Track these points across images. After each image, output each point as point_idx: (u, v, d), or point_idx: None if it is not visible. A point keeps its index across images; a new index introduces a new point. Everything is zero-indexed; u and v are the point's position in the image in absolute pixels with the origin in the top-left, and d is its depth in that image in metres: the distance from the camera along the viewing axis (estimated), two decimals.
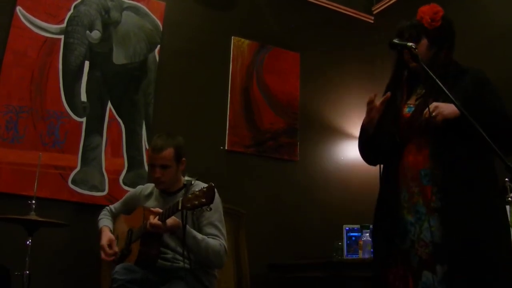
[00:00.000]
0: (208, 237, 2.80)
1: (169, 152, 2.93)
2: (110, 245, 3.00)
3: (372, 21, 5.32)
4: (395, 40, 2.19)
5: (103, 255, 2.98)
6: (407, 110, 2.32)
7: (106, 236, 3.06)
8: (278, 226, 4.35)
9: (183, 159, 3.03)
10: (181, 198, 2.60)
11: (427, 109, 2.10)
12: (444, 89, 1.93)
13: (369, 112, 2.34)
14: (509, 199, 1.86)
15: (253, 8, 4.79)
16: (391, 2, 5.10)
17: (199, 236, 2.73)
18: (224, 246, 2.84)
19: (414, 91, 2.38)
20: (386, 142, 2.33)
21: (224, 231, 2.90)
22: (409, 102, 2.35)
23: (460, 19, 4.22)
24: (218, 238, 2.83)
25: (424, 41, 2.29)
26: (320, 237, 4.35)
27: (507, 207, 1.93)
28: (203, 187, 2.54)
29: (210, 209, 2.53)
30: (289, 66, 4.78)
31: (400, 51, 2.27)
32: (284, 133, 4.59)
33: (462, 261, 2.03)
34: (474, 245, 2.04)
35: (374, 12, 5.31)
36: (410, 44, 2.15)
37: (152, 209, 2.74)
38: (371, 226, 2.87)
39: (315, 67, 4.89)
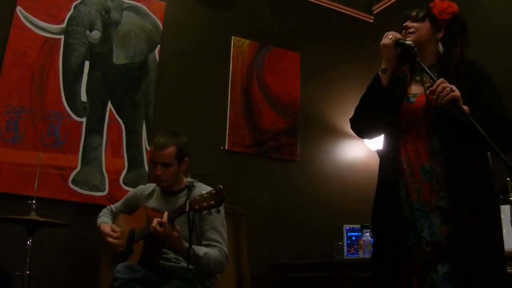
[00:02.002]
0: (209, 244, 2.80)
1: (171, 150, 2.94)
2: (113, 231, 3.03)
3: (372, 21, 5.32)
4: (401, 40, 2.22)
5: (110, 239, 3.01)
6: (411, 100, 2.26)
7: (107, 225, 3.12)
8: (279, 226, 4.35)
9: (186, 159, 3.04)
10: (188, 200, 2.58)
11: (440, 84, 2.01)
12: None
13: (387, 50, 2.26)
14: (510, 198, 1.85)
15: (253, 8, 4.79)
16: (391, 2, 5.10)
17: (201, 252, 2.71)
18: (225, 253, 2.84)
19: (413, 81, 2.34)
20: (382, 112, 2.27)
21: (225, 235, 2.91)
22: (410, 92, 2.29)
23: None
24: (219, 245, 2.83)
25: (427, 24, 2.30)
26: (321, 237, 4.35)
27: (508, 206, 1.92)
28: (211, 189, 2.53)
29: (219, 211, 2.53)
30: (289, 66, 4.78)
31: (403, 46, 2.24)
32: (285, 133, 4.59)
33: (465, 260, 2.01)
34: (477, 244, 2.02)
35: (374, 12, 5.31)
36: (409, 42, 2.19)
37: (156, 214, 2.72)
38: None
39: (316, 67, 4.89)
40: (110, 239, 3.01)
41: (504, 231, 2.76)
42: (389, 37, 2.25)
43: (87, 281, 3.42)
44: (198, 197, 2.54)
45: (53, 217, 3.13)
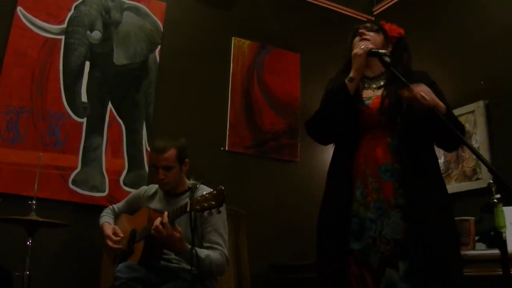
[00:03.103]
0: (211, 246, 2.80)
1: (171, 153, 2.96)
2: (115, 234, 3.03)
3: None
4: (374, 50, 2.33)
5: (110, 243, 3.00)
6: (367, 102, 2.36)
7: (109, 227, 3.10)
8: (279, 227, 4.35)
9: (186, 160, 3.05)
10: (189, 200, 2.59)
11: (410, 90, 2.10)
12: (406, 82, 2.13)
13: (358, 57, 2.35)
14: (494, 200, 1.88)
15: (253, 9, 4.79)
16: (391, 2, 5.10)
17: (203, 254, 2.71)
18: (226, 256, 2.84)
19: (365, 86, 2.45)
20: (343, 120, 2.35)
21: (226, 237, 2.91)
22: (364, 96, 2.40)
23: (461, 18, 4.24)
24: (220, 248, 2.83)
25: (381, 36, 2.46)
26: None
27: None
28: (213, 190, 2.53)
29: (219, 212, 2.53)
30: (289, 66, 4.78)
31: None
32: (285, 133, 4.59)
33: (424, 257, 2.06)
34: (435, 241, 2.09)
35: (375, 13, 5.30)
36: (383, 51, 2.31)
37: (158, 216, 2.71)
38: None
39: (316, 67, 4.88)
40: (109, 242, 3.01)
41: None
42: (361, 47, 2.34)
43: (87, 281, 3.42)
44: (199, 198, 2.54)
45: (53, 217, 3.12)
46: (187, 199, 2.86)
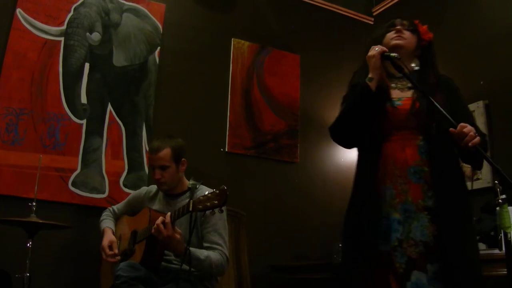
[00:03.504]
0: (211, 246, 2.79)
1: (166, 152, 2.97)
2: (110, 246, 3.01)
3: (372, 23, 5.32)
4: (387, 53, 2.30)
5: (103, 256, 3.00)
6: (397, 103, 2.33)
7: (108, 237, 3.07)
8: (279, 228, 4.35)
9: (183, 159, 3.05)
10: (191, 200, 2.57)
11: (466, 129, 2.07)
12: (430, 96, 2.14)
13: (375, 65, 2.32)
14: (499, 201, 1.88)
15: (253, 10, 4.79)
16: (391, 3, 5.10)
17: (202, 255, 2.70)
18: (226, 256, 2.83)
19: (392, 86, 2.42)
20: (368, 120, 2.33)
21: (227, 238, 2.90)
22: (393, 96, 2.37)
23: (461, 19, 4.25)
24: (220, 248, 2.82)
25: (415, 37, 2.44)
26: (321, 239, 4.35)
27: (497, 209, 1.96)
28: (215, 190, 2.51)
29: (222, 211, 2.52)
30: (289, 67, 4.78)
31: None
32: (285, 134, 4.59)
33: (453, 260, 2.05)
34: (464, 244, 2.09)
35: (374, 14, 5.31)
36: (394, 54, 2.28)
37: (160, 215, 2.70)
38: None
39: (315, 68, 4.89)
40: (104, 256, 3.00)
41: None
42: (376, 49, 2.33)
43: (87, 283, 3.42)
44: (201, 197, 2.53)
45: (54, 219, 3.12)
46: (187, 200, 2.86)
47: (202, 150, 4.16)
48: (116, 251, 3.00)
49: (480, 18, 4.08)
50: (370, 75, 2.33)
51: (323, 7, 5.13)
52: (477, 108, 3.82)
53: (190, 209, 2.55)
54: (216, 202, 2.47)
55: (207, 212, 2.52)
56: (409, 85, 2.37)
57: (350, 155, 4.81)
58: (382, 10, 5.21)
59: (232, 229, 3.66)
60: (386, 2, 5.15)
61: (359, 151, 2.46)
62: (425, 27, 2.49)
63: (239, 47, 4.59)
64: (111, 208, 3.31)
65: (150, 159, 3.04)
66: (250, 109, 4.50)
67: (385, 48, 2.32)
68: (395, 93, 2.38)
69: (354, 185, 2.41)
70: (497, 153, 3.65)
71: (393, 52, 2.30)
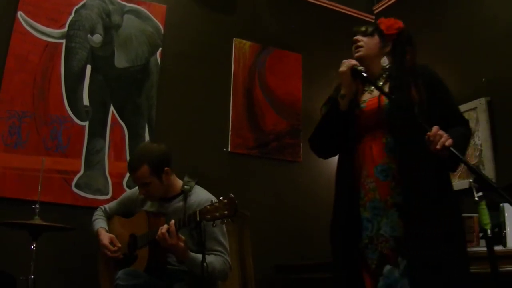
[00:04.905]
0: (211, 254, 2.75)
1: (143, 170, 2.85)
2: (111, 243, 3.00)
3: (373, 21, 5.30)
4: (355, 67, 2.36)
5: (108, 253, 2.98)
6: (362, 106, 2.40)
7: (106, 235, 3.07)
8: (283, 227, 4.34)
9: (166, 168, 2.91)
10: (198, 210, 2.51)
11: (435, 133, 2.05)
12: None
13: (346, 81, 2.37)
14: (476, 199, 1.89)
15: (254, 10, 4.78)
16: (391, 1, 5.10)
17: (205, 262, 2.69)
18: (228, 262, 2.81)
19: (364, 89, 2.47)
20: (340, 134, 2.38)
21: (227, 244, 2.85)
22: (361, 99, 2.43)
23: (462, 16, 4.23)
24: (222, 255, 2.79)
25: (376, 38, 2.48)
26: (325, 238, 4.30)
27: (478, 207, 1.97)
28: (222, 198, 2.45)
29: (233, 221, 2.49)
30: (291, 67, 4.78)
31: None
32: (287, 134, 4.59)
33: (422, 253, 2.06)
34: (433, 237, 2.09)
35: (375, 12, 5.30)
36: (360, 68, 2.33)
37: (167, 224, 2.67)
38: None
39: (317, 67, 4.88)
40: (108, 253, 2.99)
41: (508, 229, 2.78)
42: (345, 64, 2.38)
43: (91, 284, 3.42)
44: (208, 206, 2.46)
45: (57, 221, 3.12)
46: (181, 203, 2.84)
47: (205, 151, 4.16)
48: (119, 244, 2.99)
49: (481, 15, 4.07)
50: (342, 92, 2.38)
51: (324, 5, 5.12)
52: (479, 105, 3.81)
53: (198, 219, 2.49)
54: (226, 212, 2.42)
55: (216, 221, 2.46)
56: (380, 84, 2.40)
57: None
58: (383, 8, 5.20)
59: (236, 229, 3.66)
60: (387, 0, 5.14)
61: (338, 156, 2.52)
62: (389, 21, 2.50)
63: (241, 47, 4.59)
64: (103, 207, 3.29)
65: (131, 177, 2.97)
66: (252, 109, 4.50)
67: (354, 62, 2.37)
68: (365, 96, 2.43)
69: (335, 190, 2.48)
70: (500, 150, 3.64)
71: (359, 64, 2.36)
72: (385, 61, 2.50)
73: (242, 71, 4.54)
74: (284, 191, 4.46)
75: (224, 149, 4.31)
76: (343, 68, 2.37)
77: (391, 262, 2.15)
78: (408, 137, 2.20)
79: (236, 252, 3.63)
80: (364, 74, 2.29)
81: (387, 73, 2.45)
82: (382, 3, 5.20)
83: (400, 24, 2.49)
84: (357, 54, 2.44)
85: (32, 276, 2.91)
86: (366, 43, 2.46)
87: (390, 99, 2.25)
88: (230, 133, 4.35)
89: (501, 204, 2.81)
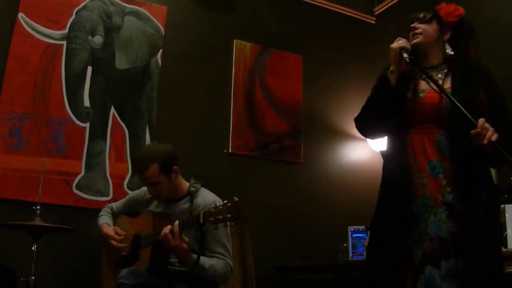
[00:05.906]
0: (214, 256, 2.74)
1: (152, 169, 2.83)
2: (117, 233, 3.01)
3: (373, 22, 5.32)
4: (402, 51, 2.25)
5: (114, 243, 2.97)
6: (420, 95, 2.29)
7: (110, 228, 3.08)
8: (283, 229, 4.34)
9: (175, 167, 2.91)
10: (202, 212, 2.51)
11: (482, 128, 2.02)
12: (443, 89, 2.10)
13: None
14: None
15: (255, 11, 4.79)
16: (392, 2, 5.10)
17: (207, 264, 2.67)
18: (230, 266, 2.79)
19: (419, 78, 2.36)
20: (390, 113, 2.29)
21: (230, 247, 2.84)
22: (420, 87, 2.32)
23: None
24: (224, 258, 2.77)
25: (434, 25, 2.37)
26: (325, 239, 4.34)
27: None
28: (226, 202, 2.45)
29: (236, 225, 2.48)
30: (291, 68, 4.78)
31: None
32: (288, 135, 4.59)
33: (469, 257, 2.02)
34: (482, 242, 2.04)
35: (376, 13, 5.31)
36: (405, 56, 2.23)
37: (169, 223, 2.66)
38: None
39: (318, 68, 4.89)
40: (114, 242, 2.99)
41: (509, 230, 2.77)
42: (399, 42, 2.28)
43: (92, 286, 3.42)
44: (212, 209, 2.46)
45: (58, 222, 3.12)
46: (187, 205, 2.83)
47: (205, 152, 4.16)
48: (124, 232, 3.00)
49: (484, 14, 4.06)
50: (391, 67, 2.31)
51: (324, 7, 5.12)
52: None
53: (201, 221, 2.48)
54: (229, 215, 2.41)
55: (219, 225, 2.45)
56: (439, 75, 2.31)
57: (353, 155, 4.82)
58: (384, 10, 5.21)
59: (236, 230, 3.65)
60: (388, 1, 5.15)
61: (387, 142, 2.43)
62: (449, 7, 2.39)
63: (241, 48, 4.59)
64: (110, 205, 3.29)
65: (139, 178, 2.93)
66: (252, 110, 4.50)
67: (404, 45, 2.27)
68: (423, 85, 2.32)
69: (382, 182, 2.37)
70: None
71: (415, 50, 2.29)
72: (448, 48, 2.37)
73: (242, 73, 4.54)
74: (285, 192, 4.46)
75: (225, 151, 4.31)
76: (394, 44, 2.28)
77: (432, 262, 2.10)
78: (465, 138, 2.11)
79: (237, 253, 3.62)
80: (407, 59, 2.21)
81: (447, 64, 2.34)
82: (383, 4, 5.21)
83: (461, 11, 2.38)
84: (414, 41, 2.33)
85: (33, 277, 2.91)
86: (424, 29, 2.35)
87: (450, 100, 2.14)
88: (230, 135, 4.35)
89: (502, 206, 2.80)
